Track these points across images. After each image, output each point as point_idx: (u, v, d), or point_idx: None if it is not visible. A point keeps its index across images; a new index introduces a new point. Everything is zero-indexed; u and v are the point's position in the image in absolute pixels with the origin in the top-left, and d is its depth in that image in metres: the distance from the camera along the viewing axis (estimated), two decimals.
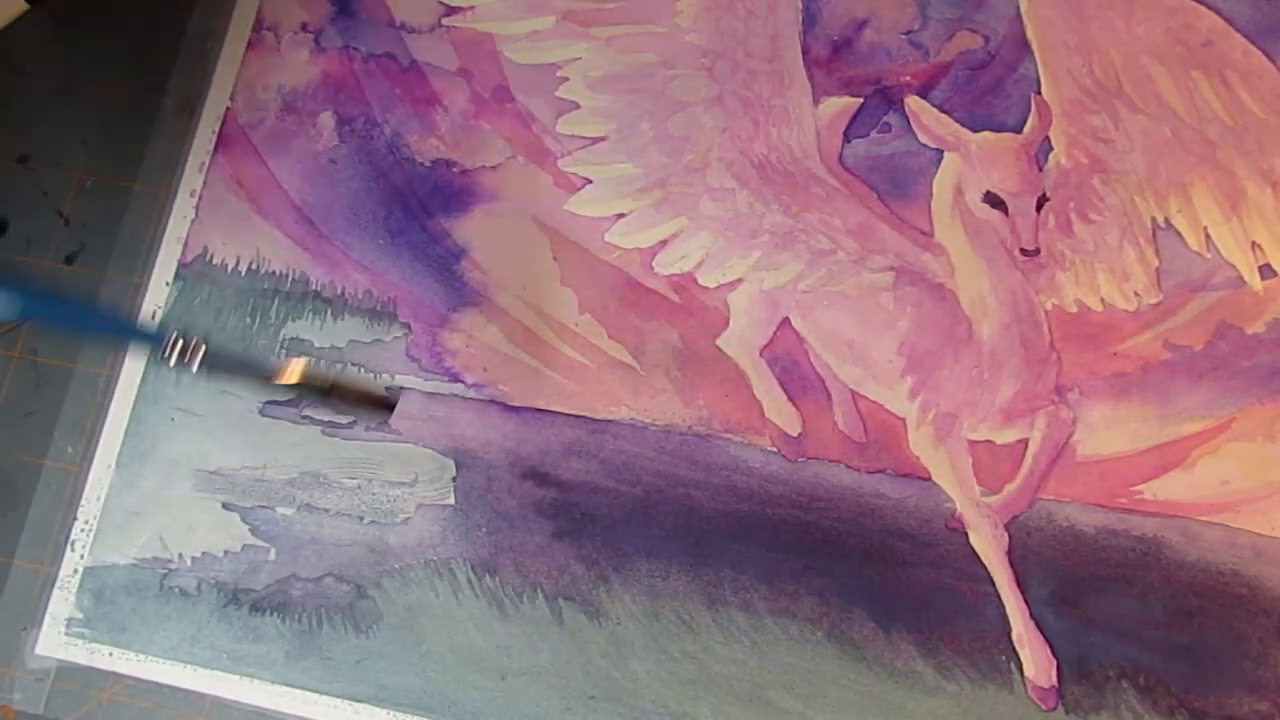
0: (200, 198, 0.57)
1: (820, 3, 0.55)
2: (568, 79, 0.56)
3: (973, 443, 0.51)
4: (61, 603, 0.53)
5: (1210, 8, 0.53)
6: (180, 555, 0.53)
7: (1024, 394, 0.51)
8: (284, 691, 0.51)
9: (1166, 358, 0.50)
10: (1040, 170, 0.52)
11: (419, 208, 0.55)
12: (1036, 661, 0.48)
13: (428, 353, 0.54)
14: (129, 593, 0.53)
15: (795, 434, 0.51)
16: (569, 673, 0.50)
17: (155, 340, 0.46)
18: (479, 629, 0.51)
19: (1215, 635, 0.48)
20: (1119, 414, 0.50)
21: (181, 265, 0.56)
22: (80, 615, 0.53)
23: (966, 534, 0.49)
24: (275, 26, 0.58)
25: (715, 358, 0.52)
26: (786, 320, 0.53)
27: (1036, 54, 0.53)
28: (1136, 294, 0.51)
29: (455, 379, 0.53)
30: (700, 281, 0.53)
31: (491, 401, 0.53)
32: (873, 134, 0.54)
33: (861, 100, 0.54)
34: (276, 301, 0.55)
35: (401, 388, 0.53)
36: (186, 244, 0.56)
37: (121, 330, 0.50)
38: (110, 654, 0.52)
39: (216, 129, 0.57)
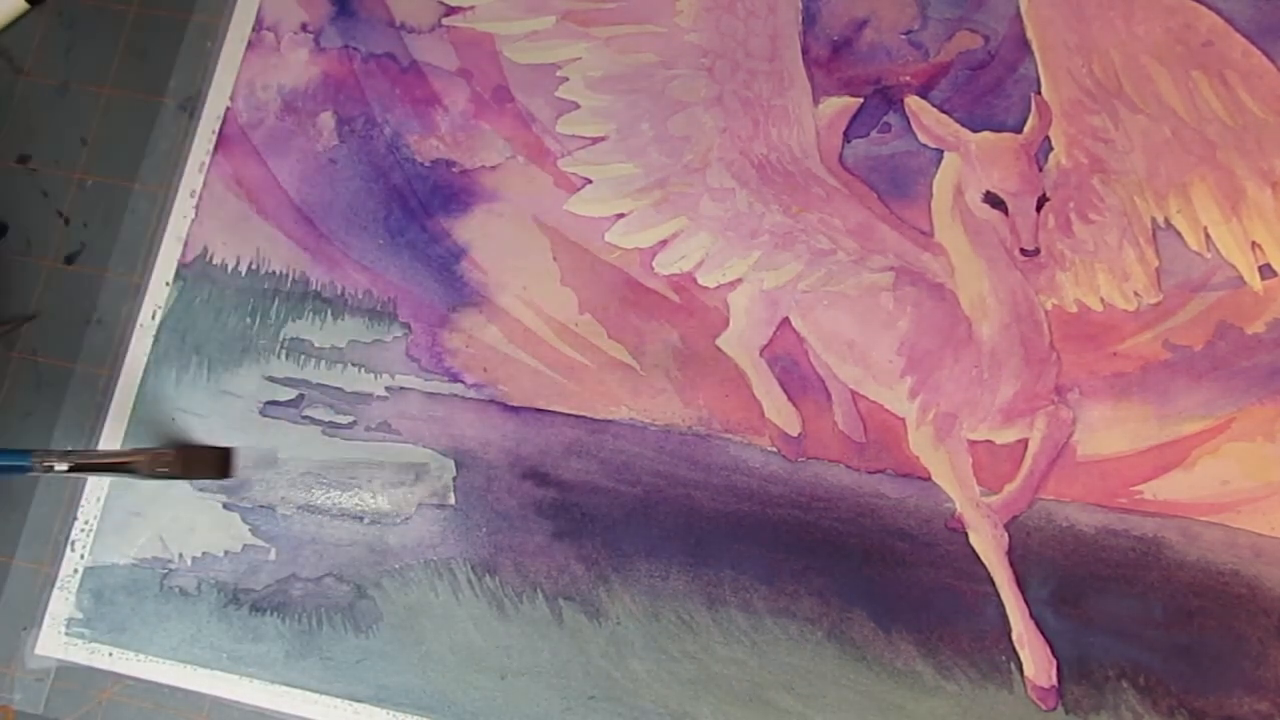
0: (200, 198, 0.57)
1: (820, 3, 0.55)
2: (568, 79, 0.56)
3: (973, 443, 0.51)
4: (61, 603, 0.53)
5: (1210, 8, 0.53)
6: (180, 555, 0.53)
7: (1024, 394, 0.51)
8: (284, 691, 0.51)
9: (1166, 358, 0.50)
10: (1040, 170, 0.52)
11: (419, 208, 0.55)
12: (1036, 661, 0.48)
13: (428, 353, 0.54)
14: (129, 593, 0.53)
15: (795, 434, 0.51)
16: (569, 673, 0.50)
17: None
18: (479, 629, 0.51)
19: (1215, 635, 0.48)
20: (1119, 414, 0.50)
21: (181, 265, 0.56)
22: (80, 615, 0.53)
23: (966, 534, 0.49)
24: (275, 26, 0.58)
25: (715, 358, 0.52)
26: (786, 320, 0.53)
27: (1036, 54, 0.53)
28: (1136, 294, 0.51)
29: (455, 379, 0.53)
30: (700, 281, 0.53)
31: (491, 401, 0.53)
32: (873, 134, 0.54)
33: (861, 100, 0.54)
34: (276, 301, 0.55)
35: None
36: (186, 244, 0.56)
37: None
38: (110, 654, 0.52)
39: (216, 129, 0.57)
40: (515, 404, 0.53)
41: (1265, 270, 0.51)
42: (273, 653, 0.51)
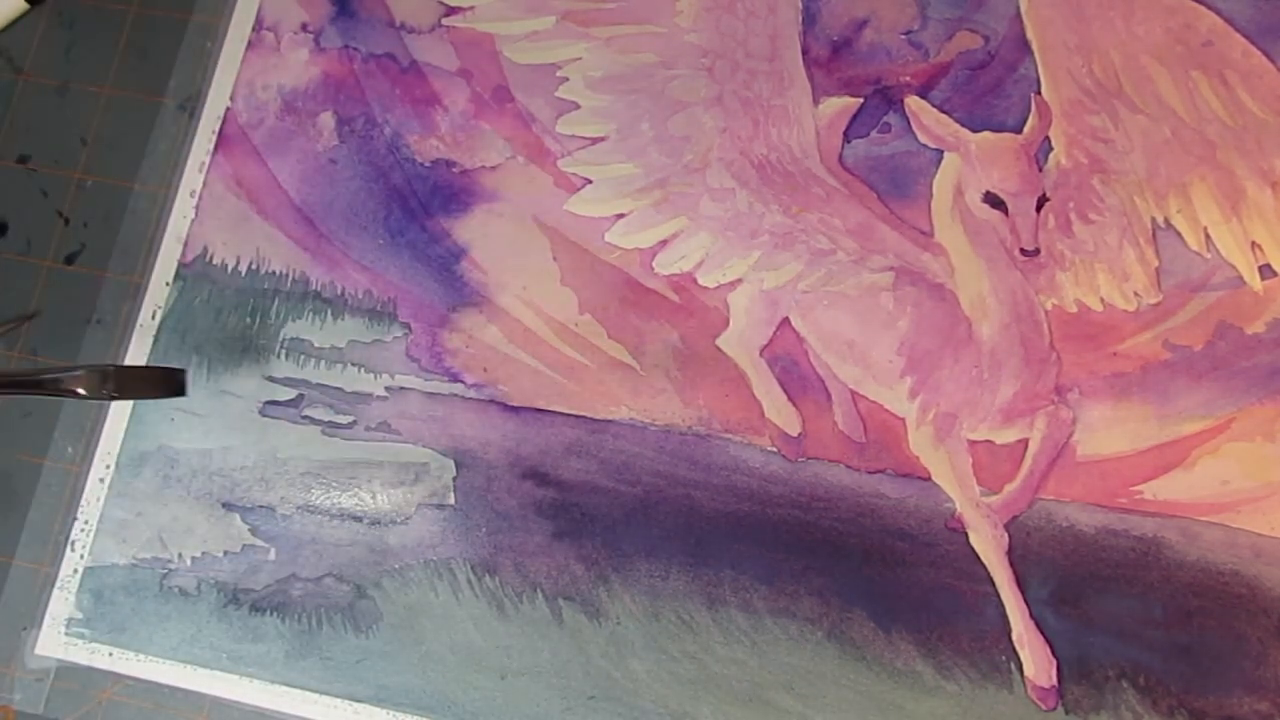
0: (200, 198, 0.57)
1: (820, 3, 0.55)
2: (568, 79, 0.56)
3: (973, 443, 0.51)
4: (61, 603, 0.53)
5: (1210, 8, 0.53)
6: (180, 555, 0.53)
7: (1024, 394, 0.51)
8: (284, 691, 0.51)
9: (1166, 358, 0.50)
10: (1040, 170, 0.52)
11: (419, 208, 0.55)
12: (1036, 661, 0.48)
13: (428, 353, 0.54)
14: (129, 593, 0.53)
15: (795, 434, 0.51)
16: (569, 673, 0.50)
17: None
18: (479, 629, 0.51)
19: (1215, 635, 0.48)
20: (1119, 414, 0.50)
21: (181, 265, 0.56)
22: (80, 615, 0.53)
23: (966, 534, 0.49)
24: (275, 26, 0.58)
25: (715, 358, 0.52)
26: (786, 320, 0.53)
27: (1036, 54, 0.53)
28: (1136, 294, 0.51)
29: (455, 379, 0.53)
30: (700, 281, 0.53)
31: (491, 401, 0.53)
32: (873, 134, 0.54)
33: (861, 100, 0.54)
34: (276, 301, 0.55)
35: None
36: (186, 244, 0.56)
37: None
38: (110, 654, 0.52)
39: (216, 129, 0.57)
40: (515, 404, 0.53)
41: (1265, 270, 0.51)
42: (273, 653, 0.51)
